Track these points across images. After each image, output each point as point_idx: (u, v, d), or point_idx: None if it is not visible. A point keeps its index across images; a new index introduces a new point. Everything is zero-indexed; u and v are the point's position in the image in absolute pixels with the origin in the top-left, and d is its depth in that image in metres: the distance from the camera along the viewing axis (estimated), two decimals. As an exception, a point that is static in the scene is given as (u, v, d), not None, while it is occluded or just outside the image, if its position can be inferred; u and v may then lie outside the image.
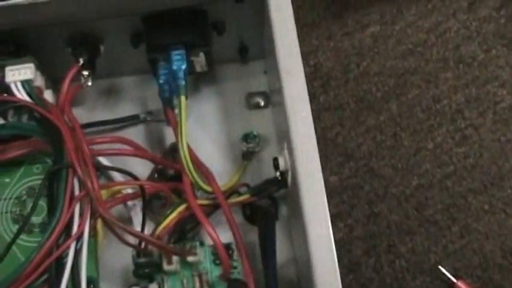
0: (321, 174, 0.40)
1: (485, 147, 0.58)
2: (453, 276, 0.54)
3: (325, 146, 0.58)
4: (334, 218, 0.56)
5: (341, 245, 0.55)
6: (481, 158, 0.58)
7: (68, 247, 0.43)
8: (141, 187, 0.46)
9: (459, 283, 0.54)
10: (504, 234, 0.55)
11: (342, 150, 0.58)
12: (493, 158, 0.57)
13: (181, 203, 0.46)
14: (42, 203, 0.49)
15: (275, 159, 0.45)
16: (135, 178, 0.47)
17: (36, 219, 0.50)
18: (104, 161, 0.50)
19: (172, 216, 0.46)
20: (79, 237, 0.43)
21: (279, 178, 0.46)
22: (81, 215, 0.44)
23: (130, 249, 0.48)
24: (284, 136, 0.44)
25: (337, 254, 0.55)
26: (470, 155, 0.58)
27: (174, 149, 0.52)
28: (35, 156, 0.51)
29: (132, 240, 0.47)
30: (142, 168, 0.51)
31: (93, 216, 0.45)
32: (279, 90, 0.43)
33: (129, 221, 0.50)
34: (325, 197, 0.40)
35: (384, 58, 0.61)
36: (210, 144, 0.53)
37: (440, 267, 0.54)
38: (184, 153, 0.45)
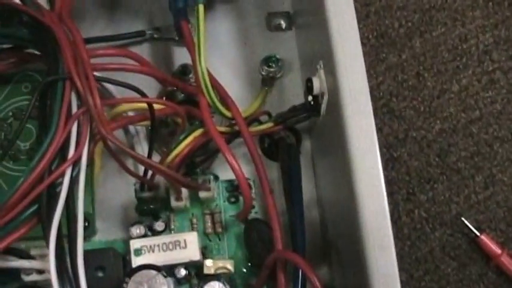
0: (368, 96, 0.35)
1: None
2: (476, 229, 0.50)
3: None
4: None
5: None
6: (509, 104, 0.54)
7: (63, 173, 0.36)
8: (150, 106, 0.39)
9: (482, 237, 0.50)
10: (531, 187, 0.52)
11: None
12: None
13: (198, 127, 0.40)
14: (31, 127, 0.43)
15: (308, 80, 0.39)
16: (143, 95, 0.40)
17: (23, 146, 0.43)
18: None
19: (187, 142, 0.39)
20: (76, 163, 0.36)
21: (311, 103, 0.40)
22: (79, 136, 0.37)
23: (130, 184, 0.42)
24: (319, 56, 0.38)
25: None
26: (498, 100, 0.54)
27: (184, 71, 0.45)
28: (24, 73, 0.44)
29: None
30: (147, 90, 0.44)
31: (93, 139, 0.39)
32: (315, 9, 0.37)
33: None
34: (373, 122, 0.35)
35: (407, -9, 0.56)
36: (226, 69, 0.47)
37: (462, 219, 0.51)
38: (202, 69, 0.39)
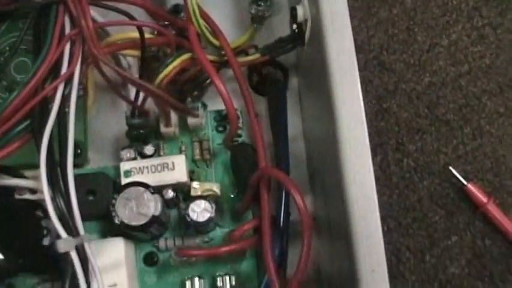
0: (349, 22, 0.36)
1: (502, 48, 0.54)
2: (463, 178, 0.51)
3: (332, 37, 0.54)
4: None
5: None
6: (498, 59, 0.54)
7: (55, 89, 0.37)
8: (140, 30, 0.40)
9: (469, 186, 0.51)
10: (518, 139, 0.52)
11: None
12: (510, 60, 0.54)
13: (185, 51, 0.40)
14: (27, 60, 0.44)
15: (293, 9, 0.40)
16: (134, 19, 0.40)
17: (19, 78, 0.44)
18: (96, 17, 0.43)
19: (174, 64, 0.40)
20: (68, 81, 0.37)
21: (296, 31, 0.40)
22: (71, 56, 0.38)
23: (122, 117, 0.43)
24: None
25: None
26: (487, 55, 0.54)
27: (176, 10, 0.46)
28: (22, 9, 0.44)
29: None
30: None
31: (85, 61, 0.39)
32: None
33: (122, 85, 0.45)
34: (354, 54, 0.35)
35: None
36: (215, 7, 0.47)
37: (450, 168, 0.51)
38: None
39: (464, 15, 0.55)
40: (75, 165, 0.38)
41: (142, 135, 0.42)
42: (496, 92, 0.53)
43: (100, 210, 0.40)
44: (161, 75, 0.39)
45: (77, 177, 0.36)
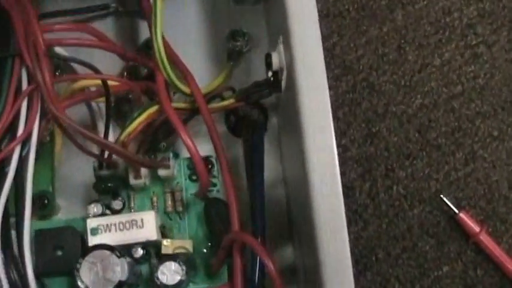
0: (324, 72, 0.33)
1: (498, 67, 0.52)
2: (455, 206, 0.49)
3: (320, 57, 0.52)
4: (328, 137, 0.50)
5: (334, 167, 0.50)
6: (492, 79, 0.52)
7: (11, 151, 0.35)
8: (104, 82, 0.38)
9: (461, 214, 0.49)
10: (512, 164, 0.51)
11: (340, 62, 0.52)
12: (505, 80, 0.52)
13: (152, 104, 0.39)
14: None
15: (267, 56, 0.38)
16: (97, 71, 0.39)
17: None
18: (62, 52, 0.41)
19: (141, 120, 0.38)
20: (25, 141, 0.36)
21: (271, 79, 0.38)
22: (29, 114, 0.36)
23: (92, 162, 0.41)
24: (280, 30, 0.37)
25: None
26: (481, 75, 0.52)
27: (148, 45, 0.44)
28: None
29: (95, 150, 0.40)
30: (111, 66, 0.43)
31: (45, 116, 0.37)
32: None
33: (93, 128, 0.43)
34: (329, 101, 0.33)
35: (389, -38, 0.55)
36: (190, 44, 0.46)
37: (442, 196, 0.50)
38: (158, 43, 0.38)
39: (458, 33, 0.53)
40: (43, 217, 0.37)
41: (110, 188, 0.40)
42: (490, 114, 0.52)
43: (68, 266, 0.38)
44: (126, 131, 0.38)
45: (44, 232, 0.35)
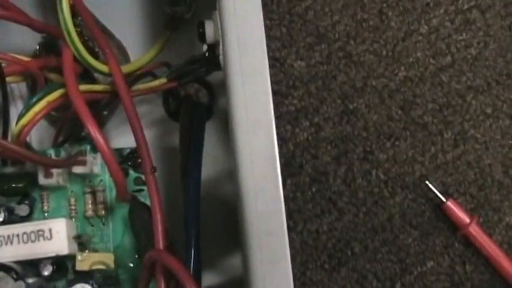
0: (264, 47, 0.28)
1: (492, 35, 0.49)
2: (442, 194, 0.46)
3: (290, 23, 0.48)
4: (298, 114, 0.47)
5: (304, 148, 0.46)
6: (486, 49, 0.49)
7: None
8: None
9: (449, 203, 0.46)
10: (508, 145, 0.48)
11: (313, 29, 0.48)
12: (501, 50, 0.49)
13: (55, 87, 0.32)
14: None
15: (200, 25, 0.32)
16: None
17: None
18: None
19: (36, 110, 0.32)
20: None
21: (207, 54, 0.32)
22: None
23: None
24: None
25: (299, 159, 0.45)
26: (473, 44, 0.49)
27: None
28: None
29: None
30: (29, 42, 0.37)
31: None
32: None
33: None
34: (269, 81, 0.28)
35: None
36: (119, 9, 0.40)
37: (427, 182, 0.47)
38: (62, 5, 0.31)
39: (448, -4, 0.50)
40: None
41: (19, 190, 0.34)
42: (483, 88, 0.48)
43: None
44: (19, 125, 0.31)
45: None
